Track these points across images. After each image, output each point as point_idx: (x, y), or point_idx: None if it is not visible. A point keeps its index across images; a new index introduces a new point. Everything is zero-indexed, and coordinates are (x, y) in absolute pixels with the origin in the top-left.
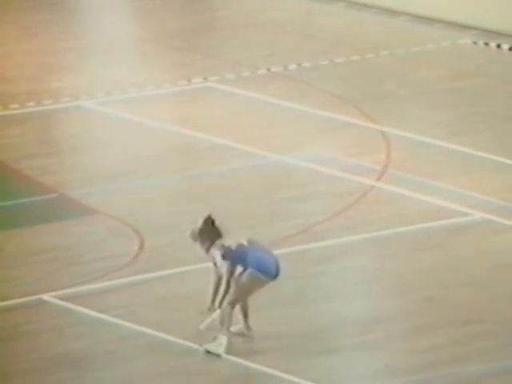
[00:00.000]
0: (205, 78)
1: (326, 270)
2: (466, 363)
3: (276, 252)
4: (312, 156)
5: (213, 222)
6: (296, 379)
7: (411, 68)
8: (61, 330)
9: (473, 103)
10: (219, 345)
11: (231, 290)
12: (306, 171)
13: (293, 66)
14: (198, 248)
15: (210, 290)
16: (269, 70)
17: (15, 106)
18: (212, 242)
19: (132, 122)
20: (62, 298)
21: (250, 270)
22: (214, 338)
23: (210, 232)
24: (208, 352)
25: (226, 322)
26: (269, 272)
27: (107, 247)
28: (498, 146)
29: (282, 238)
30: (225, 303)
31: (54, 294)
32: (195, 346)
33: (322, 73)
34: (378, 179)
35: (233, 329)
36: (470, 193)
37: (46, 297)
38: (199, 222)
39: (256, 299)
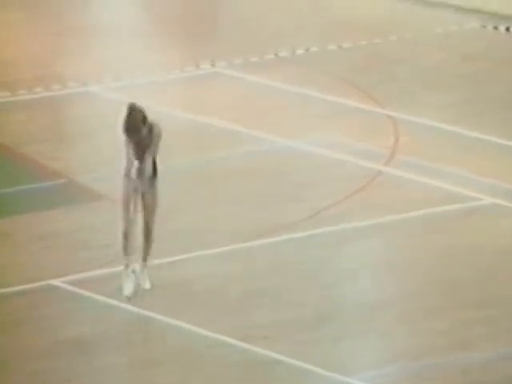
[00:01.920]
0: (213, 64)
1: (334, 255)
2: (472, 349)
3: (285, 236)
4: (320, 141)
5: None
6: (304, 365)
7: (419, 52)
8: (70, 315)
9: (481, 87)
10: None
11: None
12: (314, 156)
13: (300, 51)
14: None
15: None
16: (276, 55)
17: (22, 91)
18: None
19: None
20: (71, 283)
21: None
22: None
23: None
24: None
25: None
26: None
27: (115, 233)
28: (508, 130)
29: (291, 223)
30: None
31: (63, 279)
32: (202, 332)
33: (329, 58)
34: (386, 164)
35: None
36: (478, 177)
37: (55, 282)
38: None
39: (262, 284)
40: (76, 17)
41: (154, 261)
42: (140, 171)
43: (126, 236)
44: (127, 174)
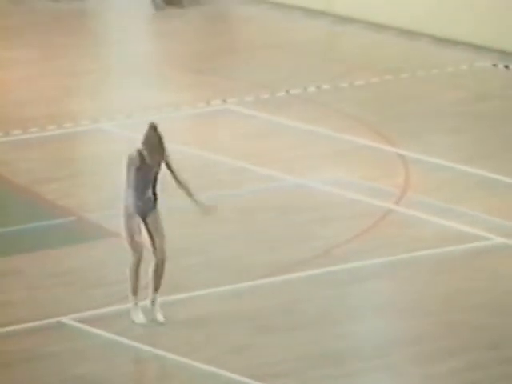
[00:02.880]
0: (224, 100)
1: (344, 293)
2: None
3: (297, 274)
4: (330, 179)
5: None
6: None
7: (431, 90)
8: (79, 352)
9: (493, 126)
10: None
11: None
12: (325, 194)
13: (312, 89)
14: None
15: None
16: (288, 92)
17: (35, 129)
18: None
19: None
20: (80, 321)
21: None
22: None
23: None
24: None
25: None
26: None
27: (124, 269)
28: None
29: (302, 260)
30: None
31: (72, 316)
32: (214, 370)
33: (341, 95)
34: (397, 203)
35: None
36: (489, 217)
37: (65, 319)
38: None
39: (274, 321)
40: (89, 57)
41: (163, 297)
42: (148, 200)
43: (135, 272)
44: (130, 210)
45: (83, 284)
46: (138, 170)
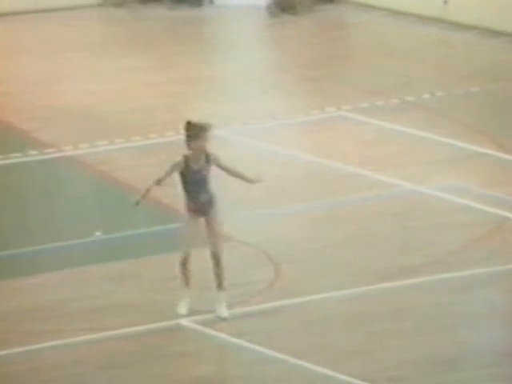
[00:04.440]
0: (338, 107)
1: (458, 301)
2: None
3: (410, 280)
4: (445, 185)
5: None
6: None
7: None
8: (197, 354)
9: None
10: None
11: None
12: (439, 200)
13: (426, 95)
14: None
15: None
16: (402, 99)
17: (154, 135)
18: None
19: (266, 151)
20: (198, 323)
21: None
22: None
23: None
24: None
25: None
26: None
27: (243, 274)
28: None
29: (415, 267)
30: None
31: (190, 319)
32: (330, 373)
33: (455, 102)
34: None
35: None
36: None
37: (183, 321)
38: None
39: (388, 326)
40: (204, 64)
41: (281, 301)
42: (205, 201)
43: (184, 267)
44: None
45: (200, 287)
46: (184, 174)
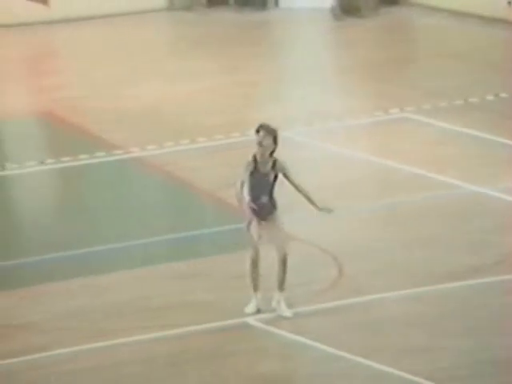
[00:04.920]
0: (402, 109)
1: None
2: None
3: (474, 280)
4: (507, 187)
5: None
6: None
7: None
8: (262, 351)
9: None
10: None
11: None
12: (502, 202)
13: (490, 97)
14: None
15: None
16: (466, 100)
17: (219, 136)
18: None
19: (330, 152)
20: (263, 321)
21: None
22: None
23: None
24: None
25: None
26: None
27: (306, 273)
28: None
29: (478, 267)
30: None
31: (256, 317)
32: (392, 371)
33: None
34: None
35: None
36: None
37: (250, 320)
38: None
39: (450, 326)
40: (271, 67)
41: (344, 300)
42: (264, 204)
43: (253, 269)
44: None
45: (266, 287)
46: (252, 174)
